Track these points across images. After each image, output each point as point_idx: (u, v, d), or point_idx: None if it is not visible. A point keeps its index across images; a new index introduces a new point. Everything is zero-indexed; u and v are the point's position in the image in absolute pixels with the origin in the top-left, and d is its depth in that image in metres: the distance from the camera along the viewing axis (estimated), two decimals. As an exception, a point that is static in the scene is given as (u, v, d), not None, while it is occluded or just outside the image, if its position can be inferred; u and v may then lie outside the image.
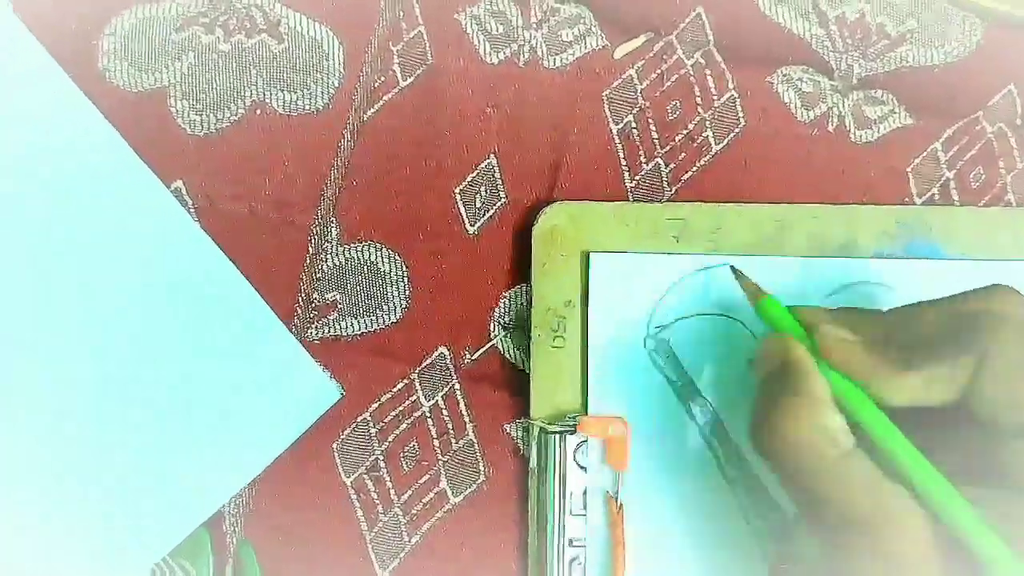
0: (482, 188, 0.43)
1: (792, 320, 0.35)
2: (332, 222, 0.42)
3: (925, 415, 0.32)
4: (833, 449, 0.31)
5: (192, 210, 0.42)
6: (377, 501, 0.42)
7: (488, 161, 0.43)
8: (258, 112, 0.42)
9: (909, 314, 0.34)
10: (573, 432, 0.40)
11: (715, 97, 0.43)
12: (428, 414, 0.42)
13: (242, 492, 0.41)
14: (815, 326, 0.34)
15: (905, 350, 0.32)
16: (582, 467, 0.40)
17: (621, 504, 0.40)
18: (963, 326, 0.32)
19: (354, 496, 0.42)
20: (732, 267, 0.38)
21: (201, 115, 0.42)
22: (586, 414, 0.40)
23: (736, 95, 0.43)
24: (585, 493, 0.40)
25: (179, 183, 0.42)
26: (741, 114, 0.43)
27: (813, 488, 0.31)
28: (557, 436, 0.40)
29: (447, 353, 0.42)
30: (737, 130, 0.43)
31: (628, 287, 0.41)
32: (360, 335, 0.42)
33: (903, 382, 0.32)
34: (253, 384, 0.41)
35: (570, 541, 0.40)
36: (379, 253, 0.42)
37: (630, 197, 0.42)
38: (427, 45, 0.43)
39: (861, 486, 0.30)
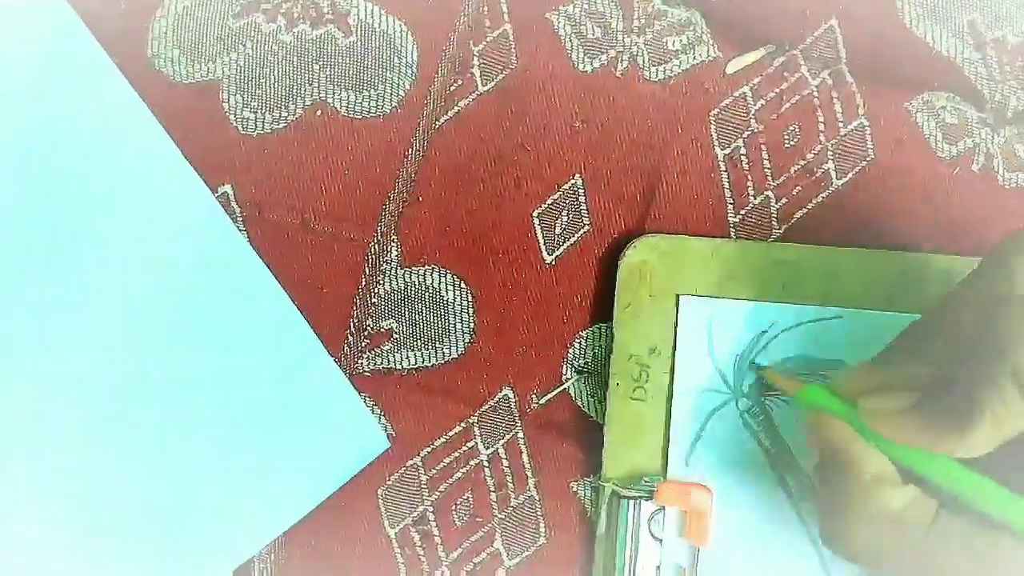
0: (564, 212, 0.39)
1: (840, 405, 0.32)
2: (393, 241, 0.39)
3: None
4: (909, 528, 0.30)
5: (239, 219, 0.39)
6: (423, 558, 0.39)
7: (573, 182, 0.39)
8: (319, 113, 0.40)
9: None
10: (649, 498, 0.37)
11: (841, 124, 0.39)
12: (486, 463, 0.39)
13: (273, 540, 0.39)
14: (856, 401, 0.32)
15: (961, 399, 0.29)
16: (657, 539, 0.37)
17: (698, 585, 0.37)
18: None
19: (398, 550, 0.39)
20: (753, 362, 0.37)
21: (256, 113, 0.40)
22: (665, 479, 0.38)
23: (867, 122, 0.39)
24: (659, 569, 0.37)
25: (227, 188, 0.39)
26: (871, 145, 0.39)
27: (906, 571, 0.30)
28: (631, 501, 0.37)
29: (512, 396, 0.39)
30: (864, 163, 0.39)
31: (723, 337, 0.38)
32: (416, 369, 0.39)
33: (972, 440, 0.29)
34: (292, 423, 0.38)
35: (637, 621, 0.37)
36: (443, 279, 0.39)
37: (733, 234, 0.39)
38: (513, 46, 0.40)
39: (957, 551, 0.29)
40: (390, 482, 0.39)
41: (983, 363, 0.28)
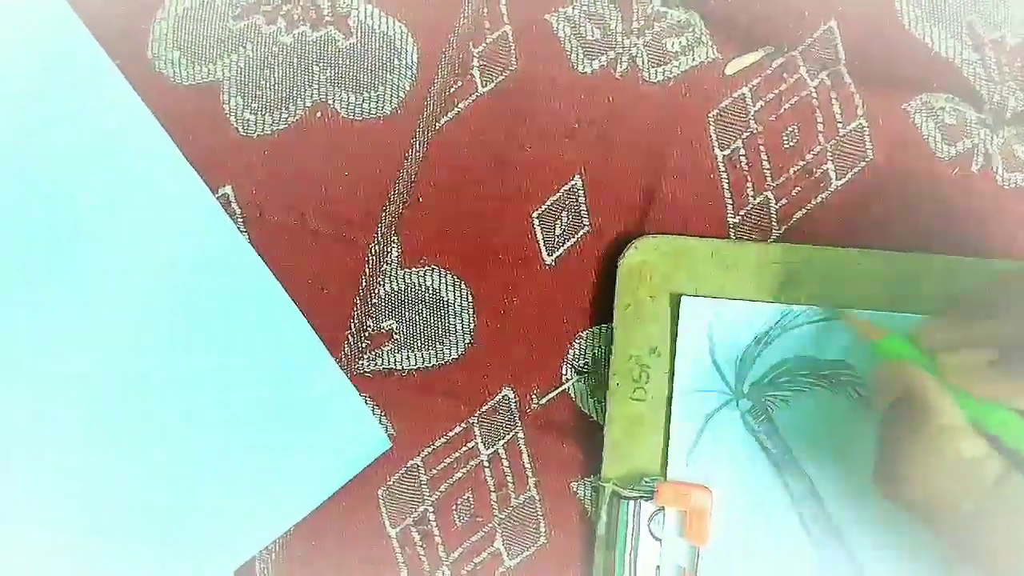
0: (564, 213, 0.39)
1: (921, 356, 0.32)
2: (393, 242, 0.39)
3: None
4: (982, 479, 0.29)
5: (239, 220, 0.39)
6: (423, 557, 0.39)
7: (573, 183, 0.39)
8: (319, 114, 0.39)
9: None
10: (649, 499, 0.37)
11: (840, 124, 0.39)
12: (486, 464, 0.39)
13: (275, 540, 0.39)
14: (935, 353, 0.32)
15: None
16: (657, 539, 0.37)
17: (698, 584, 0.37)
18: None
19: (399, 550, 0.39)
20: (837, 308, 0.37)
21: (256, 115, 0.39)
22: (665, 479, 0.37)
23: (865, 123, 0.39)
24: (658, 568, 0.37)
25: (227, 189, 0.39)
26: (869, 146, 0.39)
27: (967, 524, 0.29)
28: (631, 502, 0.37)
29: (512, 396, 0.39)
30: (863, 164, 0.39)
31: (723, 338, 0.37)
32: (416, 370, 0.39)
33: None
34: (293, 423, 0.38)
35: (637, 620, 0.37)
36: (443, 280, 0.39)
37: (732, 235, 0.39)
38: (512, 48, 0.39)
39: (1021, 515, 0.29)
40: (391, 482, 0.39)
41: None
